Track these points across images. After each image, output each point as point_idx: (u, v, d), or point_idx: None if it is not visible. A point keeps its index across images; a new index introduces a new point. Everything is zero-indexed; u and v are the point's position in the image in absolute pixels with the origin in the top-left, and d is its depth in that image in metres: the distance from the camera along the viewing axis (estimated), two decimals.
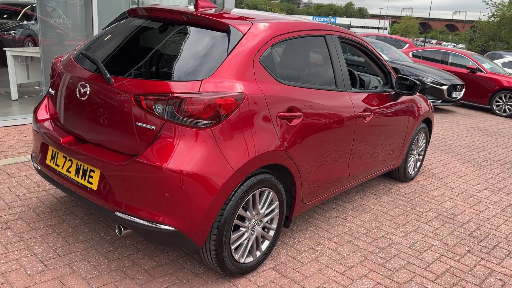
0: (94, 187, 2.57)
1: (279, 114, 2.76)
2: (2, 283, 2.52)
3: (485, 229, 3.97)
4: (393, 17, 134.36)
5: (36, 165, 3.05)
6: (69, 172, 2.73)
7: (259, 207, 2.81)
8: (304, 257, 3.14)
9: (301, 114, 2.92)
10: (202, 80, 2.46)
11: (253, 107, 2.59)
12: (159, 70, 2.62)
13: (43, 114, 3.07)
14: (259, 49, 2.73)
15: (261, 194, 2.79)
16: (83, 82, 2.67)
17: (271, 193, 2.85)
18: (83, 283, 2.59)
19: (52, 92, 3.00)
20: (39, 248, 2.91)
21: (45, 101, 3.13)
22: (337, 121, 3.30)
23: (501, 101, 11.50)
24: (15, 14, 11.27)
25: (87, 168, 2.63)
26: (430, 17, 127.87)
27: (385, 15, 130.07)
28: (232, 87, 2.51)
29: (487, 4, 45.41)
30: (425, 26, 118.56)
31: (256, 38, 2.75)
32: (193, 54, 2.64)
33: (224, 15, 2.86)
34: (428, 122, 5.04)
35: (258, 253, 2.92)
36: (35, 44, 11.14)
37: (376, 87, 4.30)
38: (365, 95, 3.72)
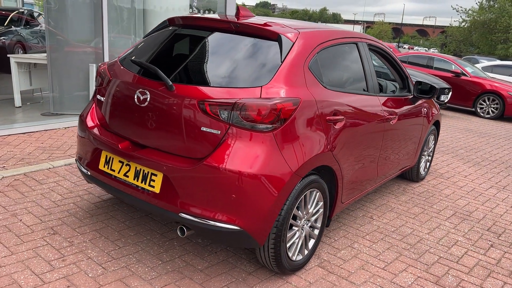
0: (157, 190, 2.66)
1: (327, 118, 2.91)
2: (68, 286, 2.57)
3: (500, 224, 4.20)
4: (366, 22, 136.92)
5: (85, 170, 3.10)
6: (127, 176, 2.80)
7: (309, 206, 2.95)
8: (344, 255, 3.29)
9: (343, 117, 3.08)
10: (261, 86, 2.59)
11: (307, 112, 2.73)
12: (218, 77, 2.72)
13: (92, 120, 3.13)
14: (307, 56, 2.88)
15: (310, 194, 2.93)
16: (142, 89, 2.75)
17: (318, 193, 2.99)
18: (146, 284, 2.67)
19: (102, 99, 3.06)
20: (92, 251, 2.96)
21: (93, 107, 3.19)
22: (371, 124, 3.48)
23: (484, 104, 11.96)
24: (3, 20, 11.12)
25: (148, 172, 2.71)
26: (399, 22, 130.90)
27: (359, 21, 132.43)
28: (289, 93, 2.64)
29: (457, 11, 46.91)
30: (398, 31, 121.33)
31: (304, 45, 2.89)
32: (248, 62, 2.76)
33: (270, 24, 2.99)
34: (437, 124, 5.29)
35: (305, 251, 3.05)
36: (25, 50, 11.02)
37: (393, 91, 4.50)
38: (390, 99, 3.91)
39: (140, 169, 2.75)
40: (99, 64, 3.31)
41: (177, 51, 3.07)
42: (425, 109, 4.72)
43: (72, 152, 4.92)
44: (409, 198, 4.67)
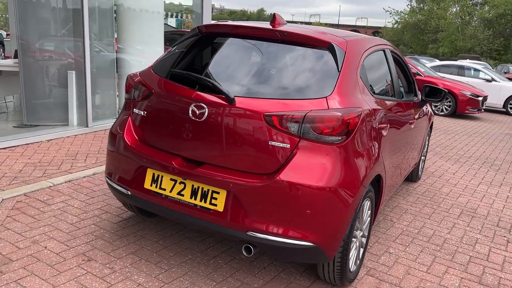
0: (220, 208, 2.52)
1: (378, 126, 2.91)
2: None
3: (505, 219, 4.43)
4: (302, 23, 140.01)
5: (123, 189, 2.88)
6: (182, 195, 2.63)
7: (364, 216, 2.93)
8: (385, 261, 3.31)
9: (387, 125, 3.09)
10: (326, 97, 2.54)
11: (366, 121, 2.71)
12: (278, 88, 2.63)
13: (130, 136, 2.91)
14: (358, 64, 2.86)
15: (365, 204, 2.91)
16: (198, 103, 2.59)
17: (369, 202, 2.98)
18: None
19: (142, 113, 2.86)
20: (139, 277, 2.76)
21: (128, 122, 2.96)
22: (401, 129, 3.54)
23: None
24: None
25: (208, 190, 2.56)
26: (334, 23, 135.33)
27: (298, 21, 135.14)
28: (351, 103, 2.61)
29: (390, 13, 49.25)
30: None
31: (354, 54, 2.87)
32: (305, 72, 2.69)
33: (316, 32, 2.94)
34: (431, 126, 5.49)
35: (357, 261, 3.03)
36: None
37: (403, 95, 4.61)
38: (408, 103, 3.99)
39: (198, 187, 2.59)
40: (130, 76, 3.08)
41: (224, 62, 2.93)
42: (427, 111, 4.88)
43: (66, 167, 4.57)
44: (415, 198, 4.80)
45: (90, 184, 4.21)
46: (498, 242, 3.86)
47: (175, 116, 2.69)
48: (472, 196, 5.07)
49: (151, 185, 2.75)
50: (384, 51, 3.60)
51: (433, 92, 4.40)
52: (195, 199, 2.60)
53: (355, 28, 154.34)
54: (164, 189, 2.70)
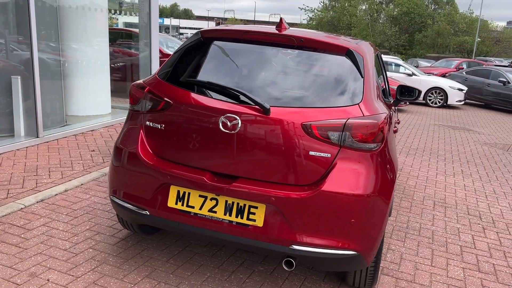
0: (259, 223, 2.42)
1: (394, 129, 2.97)
2: None
3: (471, 207, 4.79)
4: (217, 18, 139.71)
5: (141, 210, 2.64)
6: (214, 212, 2.49)
7: None
8: (392, 258, 3.41)
9: (396, 127, 3.18)
10: (358, 104, 2.54)
11: (390, 126, 2.76)
12: (309, 96, 2.57)
13: (146, 151, 2.67)
14: (373, 69, 2.90)
15: None
16: (230, 115, 2.45)
17: None
18: None
19: (158, 126, 2.64)
20: None
21: (141, 135, 2.72)
22: (393, 132, 3.65)
23: None
24: None
25: (245, 205, 2.44)
26: (249, 19, 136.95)
27: (214, 17, 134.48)
28: (377, 109, 2.63)
29: (305, 10, 50.91)
30: None
31: (369, 59, 2.89)
32: (330, 79, 2.66)
33: (330, 37, 2.92)
34: None
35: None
36: None
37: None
38: (391, 105, 4.13)
39: (233, 203, 2.46)
40: (136, 86, 2.83)
41: (243, 70, 2.79)
42: (396, 110, 5.11)
43: (31, 185, 4.12)
44: None
45: (67, 203, 3.83)
46: (476, 230, 4.16)
47: (202, 129, 2.52)
48: (436, 187, 5.41)
49: (176, 204, 2.56)
50: (377, 54, 3.69)
51: (405, 92, 4.59)
52: (230, 215, 2.46)
53: (269, 25, 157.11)
54: (193, 207, 2.53)
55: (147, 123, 2.70)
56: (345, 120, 2.41)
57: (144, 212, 2.64)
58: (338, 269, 2.60)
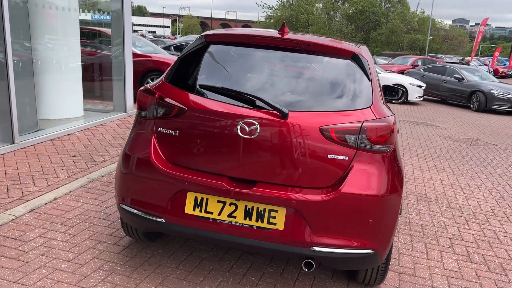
0: (280, 227, 2.45)
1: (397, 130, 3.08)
2: None
3: (451, 201, 5.03)
4: (173, 15, 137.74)
5: (156, 218, 2.61)
6: (234, 217, 2.50)
7: None
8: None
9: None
10: (370, 107, 2.62)
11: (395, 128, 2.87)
12: (323, 100, 2.62)
13: (160, 157, 2.63)
14: (376, 72, 2.99)
15: None
16: (249, 120, 2.46)
17: None
18: None
19: (173, 132, 2.61)
20: None
21: (153, 141, 2.68)
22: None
23: None
24: None
25: (265, 209, 2.47)
26: (205, 16, 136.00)
27: (170, 14, 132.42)
28: (387, 112, 2.72)
29: (263, 7, 51.15)
30: (204, 25, 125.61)
31: (371, 62, 2.98)
32: (340, 82, 2.73)
33: (334, 41, 2.99)
34: None
35: None
36: None
37: None
38: None
39: (253, 207, 2.48)
40: (144, 91, 2.78)
41: (254, 74, 2.81)
42: None
43: (17, 194, 3.95)
44: None
45: (59, 212, 3.71)
46: (460, 222, 4.38)
47: (219, 134, 2.52)
48: (415, 182, 5.64)
49: (193, 210, 2.54)
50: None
51: (389, 91, 4.74)
52: (250, 220, 2.48)
53: (225, 22, 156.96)
54: (211, 213, 2.52)
55: (160, 129, 2.66)
56: (361, 123, 2.48)
57: (159, 219, 2.61)
58: (354, 267, 2.68)
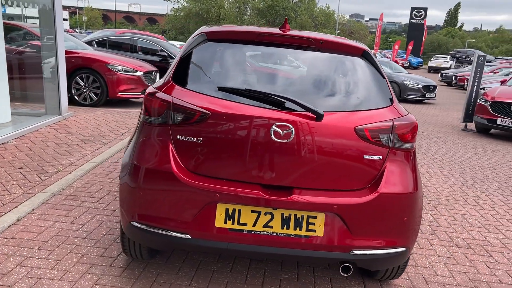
0: (319, 233, 2.35)
1: None
2: None
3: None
4: (72, 7, 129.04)
5: (181, 235, 2.36)
6: (270, 227, 2.34)
7: None
8: None
9: None
10: (393, 104, 2.61)
11: None
12: (349, 99, 2.56)
13: (181, 168, 2.38)
14: None
15: None
16: (283, 123, 2.31)
17: None
18: None
19: (196, 139, 2.37)
20: None
21: (171, 150, 2.40)
22: None
23: None
24: None
25: (303, 216, 2.35)
26: (106, 8, 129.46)
27: (68, 6, 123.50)
28: (404, 109, 2.74)
29: (171, 1, 49.88)
30: (107, 18, 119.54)
31: (375, 58, 2.98)
32: (359, 80, 2.68)
33: (344, 38, 2.93)
34: None
35: None
36: None
37: None
38: None
39: (290, 215, 2.35)
40: (155, 95, 2.48)
41: (270, 73, 2.65)
42: None
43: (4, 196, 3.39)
44: None
45: (29, 234, 3.24)
46: (430, 209, 4.61)
47: (250, 140, 2.34)
48: None
49: (225, 223, 2.34)
50: None
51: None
52: (288, 228, 2.35)
53: (128, 15, 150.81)
54: (245, 224, 2.35)
55: (179, 137, 2.40)
56: (392, 122, 2.46)
57: (184, 236, 2.37)
58: (388, 266, 2.66)
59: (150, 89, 2.60)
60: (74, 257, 2.97)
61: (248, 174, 2.38)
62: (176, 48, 12.23)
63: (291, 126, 2.33)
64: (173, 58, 11.19)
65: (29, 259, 2.91)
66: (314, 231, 2.35)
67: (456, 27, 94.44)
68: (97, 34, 14.84)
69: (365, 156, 2.41)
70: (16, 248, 3.03)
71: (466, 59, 38.45)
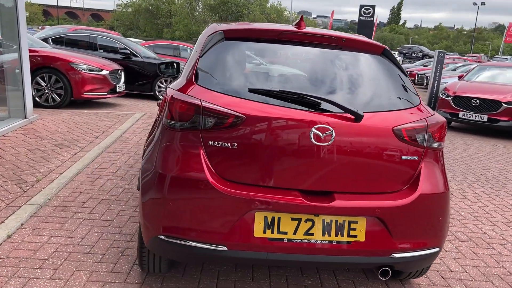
0: (361, 238, 2.28)
1: None
2: None
3: None
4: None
5: (215, 247, 2.21)
6: (311, 234, 2.25)
7: None
8: None
9: None
10: (420, 104, 2.58)
11: None
12: (379, 98, 2.51)
13: (214, 175, 2.22)
14: None
15: None
16: (323, 125, 2.21)
17: None
18: None
19: (230, 145, 2.21)
20: None
21: (203, 157, 2.23)
22: None
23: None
24: None
25: (344, 221, 2.27)
26: (49, 4, 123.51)
27: None
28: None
29: None
30: (47, 14, 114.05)
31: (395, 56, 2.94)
32: (384, 79, 2.63)
33: (362, 36, 2.87)
34: None
35: None
36: None
37: None
38: None
39: (331, 221, 2.26)
40: (180, 98, 2.30)
41: (299, 73, 2.54)
42: None
43: None
44: None
45: (26, 252, 2.95)
46: None
47: (288, 144, 2.23)
48: None
49: (264, 232, 2.22)
50: None
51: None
52: (329, 235, 2.26)
53: (71, 10, 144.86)
54: (285, 233, 2.23)
55: (210, 142, 2.24)
56: (426, 121, 2.43)
57: (220, 248, 2.22)
58: (420, 267, 2.64)
59: (171, 91, 2.42)
60: (82, 275, 2.73)
61: (287, 180, 2.26)
62: (138, 45, 11.76)
63: (331, 128, 2.23)
64: (137, 56, 10.89)
65: (32, 280, 2.64)
66: (355, 236, 2.28)
67: (399, 24, 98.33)
68: (48, 31, 14.02)
69: (403, 157, 2.36)
70: (15, 269, 2.74)
71: (413, 55, 40.05)
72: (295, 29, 2.63)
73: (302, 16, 2.85)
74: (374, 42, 2.75)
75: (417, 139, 2.39)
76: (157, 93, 10.90)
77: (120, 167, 4.89)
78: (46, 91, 8.00)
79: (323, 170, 2.26)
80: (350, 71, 2.63)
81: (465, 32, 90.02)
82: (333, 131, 2.23)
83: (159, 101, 4.23)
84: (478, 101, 9.29)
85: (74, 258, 2.93)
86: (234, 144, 2.23)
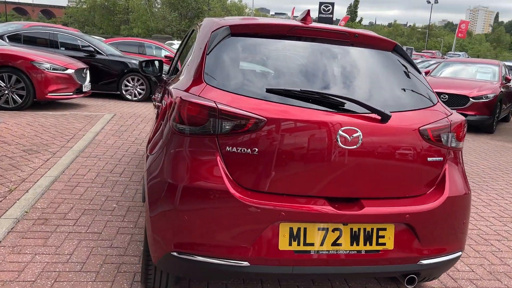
0: (390, 246, 2.16)
1: None
2: None
3: None
4: None
5: (237, 262, 2.01)
6: (339, 244, 2.10)
7: None
8: None
9: None
10: (438, 101, 2.49)
11: None
12: (401, 97, 2.39)
13: (233, 184, 2.02)
14: None
15: None
16: (350, 127, 2.06)
17: None
18: None
19: (249, 151, 2.02)
20: None
21: (221, 165, 2.02)
22: None
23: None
24: None
25: (372, 229, 2.14)
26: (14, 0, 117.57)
27: None
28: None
29: None
30: None
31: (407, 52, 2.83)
32: (401, 77, 2.52)
33: (371, 32, 2.75)
34: None
35: None
36: None
37: None
38: None
39: (359, 229, 2.12)
40: (191, 101, 2.07)
41: (313, 71, 2.36)
42: None
43: None
44: None
45: (9, 274, 2.64)
46: None
47: (313, 148, 2.06)
48: None
49: (290, 244, 2.05)
50: None
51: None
52: (358, 244, 2.12)
53: (19, 6, 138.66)
54: (312, 244, 2.07)
55: (228, 148, 2.04)
56: (449, 120, 2.33)
57: (242, 263, 2.02)
58: (443, 271, 2.55)
59: (178, 92, 2.20)
60: None
61: (312, 187, 2.09)
62: (102, 43, 11.23)
63: (359, 130, 2.08)
64: (101, 54, 10.38)
65: None
66: (384, 244, 2.15)
67: (356, 21, 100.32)
68: (1, 27, 13.19)
69: (429, 158, 2.25)
70: None
71: None
72: (306, 25, 2.47)
73: (308, 10, 2.69)
74: (385, 38, 2.63)
75: (442, 139, 2.28)
76: (124, 92, 10.45)
77: (98, 173, 4.56)
78: (6, 92, 7.46)
79: (350, 175, 2.11)
80: (365, 68, 2.50)
81: (419, 29, 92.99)
82: (361, 133, 2.09)
83: (155, 102, 3.96)
84: (446, 96, 9.46)
85: (65, 278, 2.64)
86: (255, 150, 2.04)
